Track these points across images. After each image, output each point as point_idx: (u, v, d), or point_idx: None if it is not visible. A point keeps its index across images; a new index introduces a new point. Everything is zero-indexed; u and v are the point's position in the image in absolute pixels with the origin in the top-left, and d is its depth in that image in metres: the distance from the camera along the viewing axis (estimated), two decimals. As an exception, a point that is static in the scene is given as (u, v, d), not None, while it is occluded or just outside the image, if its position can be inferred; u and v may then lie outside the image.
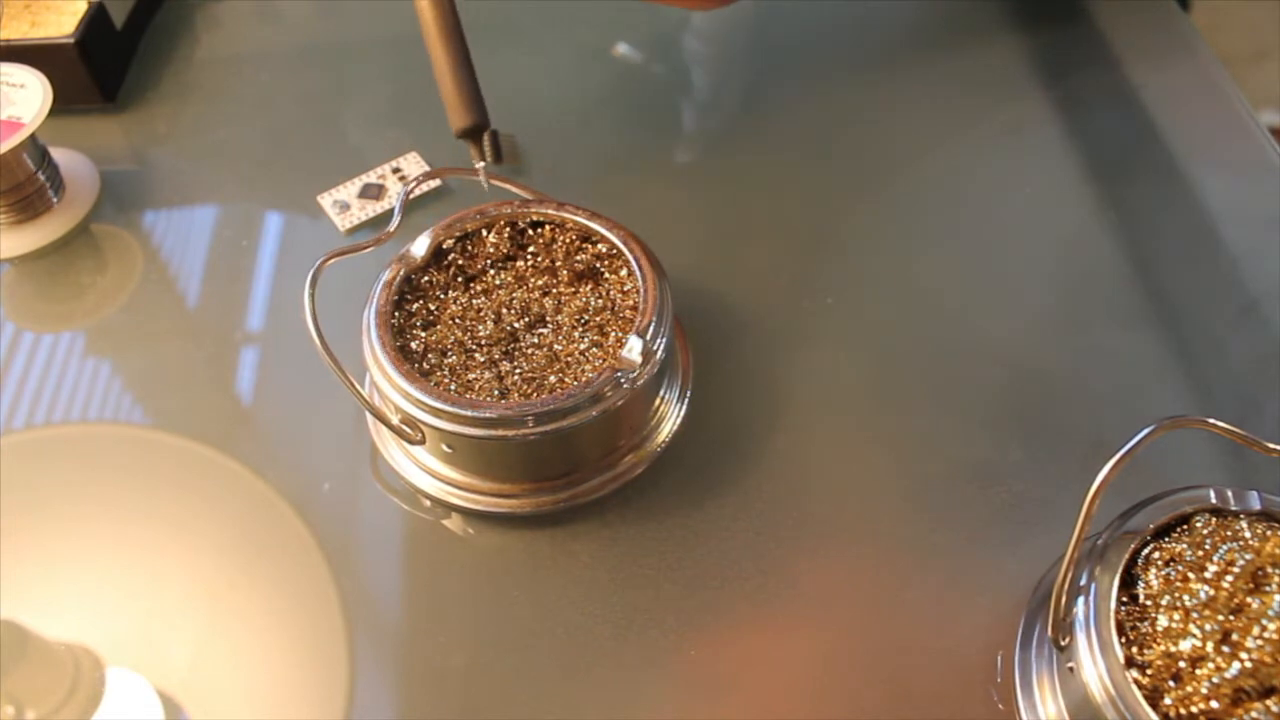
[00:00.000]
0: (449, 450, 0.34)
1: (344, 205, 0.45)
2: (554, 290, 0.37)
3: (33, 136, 0.43)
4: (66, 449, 0.39)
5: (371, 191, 0.46)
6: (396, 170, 0.47)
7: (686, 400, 0.38)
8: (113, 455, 0.39)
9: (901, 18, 0.54)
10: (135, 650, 0.33)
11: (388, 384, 0.34)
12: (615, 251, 0.37)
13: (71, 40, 0.47)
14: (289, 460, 0.38)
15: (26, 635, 0.29)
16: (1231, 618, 0.27)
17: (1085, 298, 0.42)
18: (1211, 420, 0.29)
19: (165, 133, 0.50)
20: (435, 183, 0.46)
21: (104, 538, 0.36)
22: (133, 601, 0.35)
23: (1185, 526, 0.30)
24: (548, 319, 0.36)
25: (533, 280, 0.37)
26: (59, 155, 0.46)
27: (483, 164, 0.36)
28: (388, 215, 0.45)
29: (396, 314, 0.36)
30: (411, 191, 0.40)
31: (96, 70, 0.49)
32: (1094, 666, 0.27)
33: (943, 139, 0.48)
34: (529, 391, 0.34)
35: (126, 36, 0.52)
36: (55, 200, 0.45)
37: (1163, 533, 0.30)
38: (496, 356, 0.35)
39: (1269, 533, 0.29)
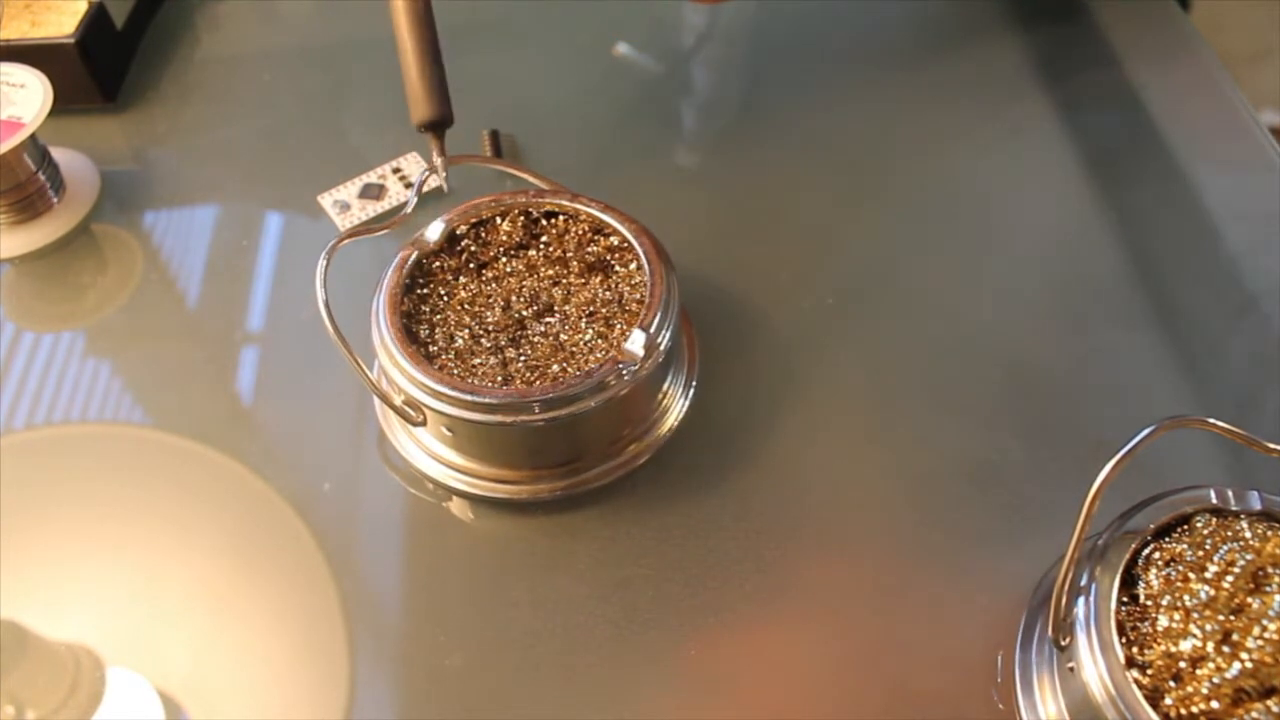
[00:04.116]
0: (449, 433, 0.34)
1: (344, 205, 0.45)
2: (564, 280, 0.37)
3: (33, 136, 0.43)
4: (66, 449, 0.39)
5: (371, 191, 0.46)
6: (397, 170, 0.47)
7: (692, 391, 0.38)
8: (113, 455, 0.39)
9: (903, 19, 0.54)
10: (135, 650, 0.33)
11: (392, 365, 0.34)
12: (626, 245, 0.37)
13: (71, 40, 0.47)
14: (289, 459, 0.38)
15: (26, 635, 0.29)
16: (1232, 618, 0.27)
17: (1085, 298, 0.42)
18: (1211, 420, 0.29)
19: (165, 133, 0.50)
20: (436, 181, 0.46)
21: (104, 538, 0.36)
22: (133, 601, 0.35)
23: (1185, 526, 0.30)
24: (556, 308, 0.36)
25: (544, 270, 0.37)
26: (59, 155, 0.46)
27: (441, 159, 0.35)
28: (387, 215, 0.45)
29: (406, 298, 0.36)
30: (427, 178, 0.40)
31: (96, 70, 0.49)
32: (1094, 666, 0.27)
33: (943, 139, 0.48)
34: (532, 379, 0.34)
35: (126, 36, 0.52)
36: (55, 200, 0.45)
37: (1163, 533, 0.30)
38: (503, 343, 0.35)
39: (1269, 533, 0.29)
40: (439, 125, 0.34)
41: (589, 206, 0.38)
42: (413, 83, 0.33)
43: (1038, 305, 0.42)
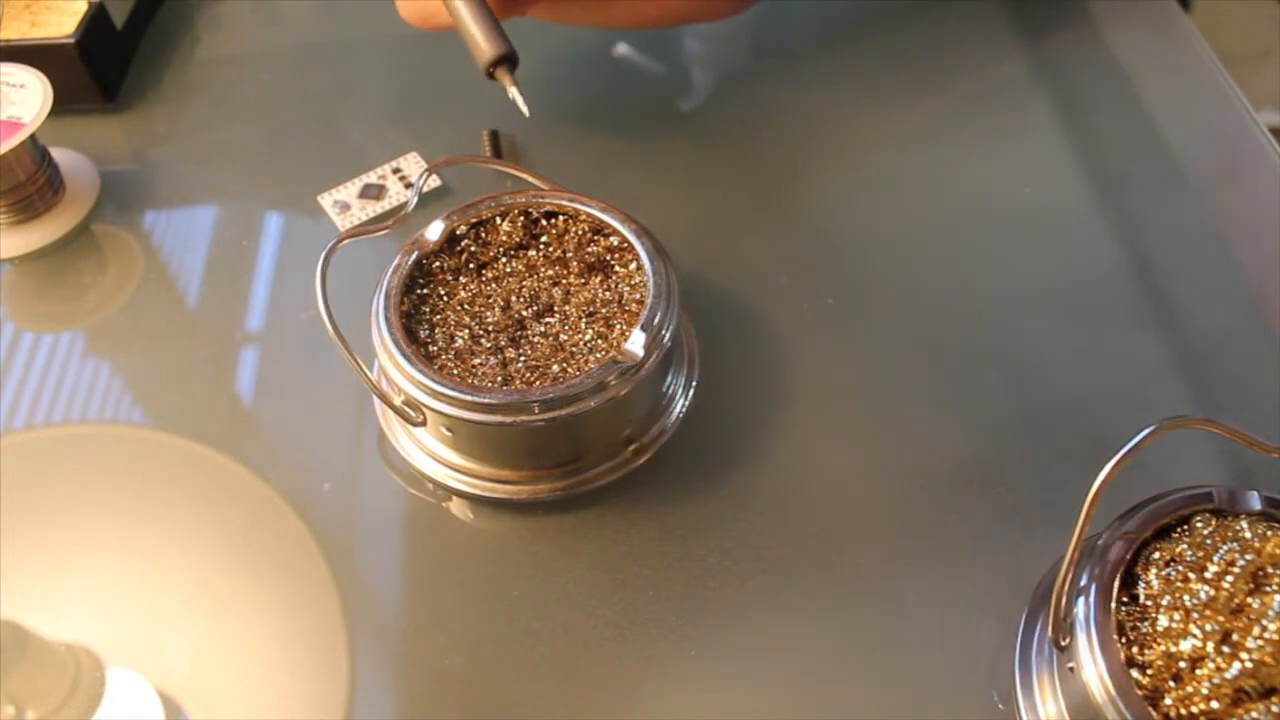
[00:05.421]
0: (449, 433, 0.35)
1: (344, 205, 0.45)
2: (564, 280, 0.37)
3: (33, 136, 0.43)
4: (66, 449, 0.39)
5: (371, 191, 0.46)
6: (396, 170, 0.47)
7: (692, 391, 0.38)
8: (113, 455, 0.39)
9: (903, 19, 0.54)
10: (135, 650, 0.33)
11: (392, 365, 0.34)
12: (626, 245, 0.37)
13: (71, 40, 0.47)
14: (289, 460, 0.38)
15: (26, 635, 0.29)
16: (1232, 618, 0.27)
17: (1085, 298, 0.42)
18: (1212, 420, 0.29)
19: (165, 133, 0.50)
20: (436, 182, 0.46)
21: (104, 538, 0.36)
22: (133, 601, 0.35)
23: (1185, 526, 0.30)
24: (556, 308, 0.36)
25: (543, 270, 0.37)
26: (59, 155, 0.46)
27: (514, 88, 0.37)
28: (387, 215, 0.45)
29: (406, 298, 0.36)
30: (427, 178, 0.40)
31: (96, 70, 0.49)
32: (1094, 666, 0.27)
33: (943, 140, 0.48)
34: (531, 379, 0.34)
35: (126, 36, 0.52)
36: (55, 200, 0.45)
37: (1163, 533, 0.30)
38: (503, 343, 0.35)
39: (1269, 533, 0.29)
40: (509, 59, 0.37)
41: (589, 206, 0.38)
42: (471, 31, 0.36)
43: (1038, 305, 0.42)
